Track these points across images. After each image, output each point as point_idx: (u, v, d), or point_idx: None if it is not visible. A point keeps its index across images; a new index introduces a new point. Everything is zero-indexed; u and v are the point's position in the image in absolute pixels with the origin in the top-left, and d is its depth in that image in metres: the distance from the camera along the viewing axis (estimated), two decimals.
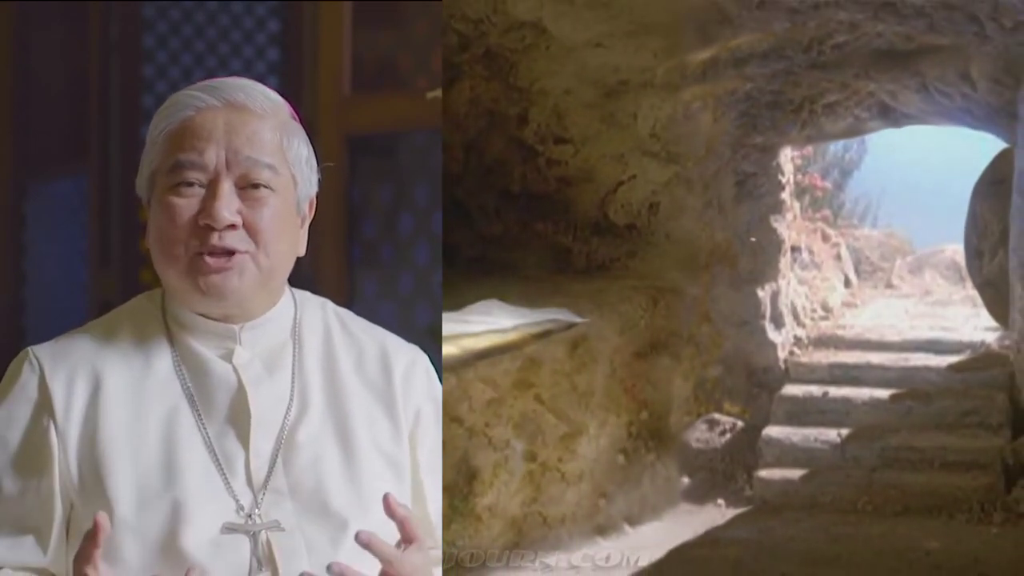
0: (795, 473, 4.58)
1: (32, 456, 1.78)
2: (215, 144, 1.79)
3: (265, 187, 1.81)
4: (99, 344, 1.85)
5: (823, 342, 5.39)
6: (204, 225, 1.78)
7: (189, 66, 4.92)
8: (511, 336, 3.93)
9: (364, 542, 1.71)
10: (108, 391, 1.81)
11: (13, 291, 5.18)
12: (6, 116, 5.14)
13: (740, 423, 4.85)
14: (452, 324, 3.87)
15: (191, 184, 1.79)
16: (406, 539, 1.74)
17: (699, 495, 4.62)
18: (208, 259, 1.78)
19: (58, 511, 1.78)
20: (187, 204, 1.79)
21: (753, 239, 5.02)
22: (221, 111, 1.81)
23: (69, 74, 5.12)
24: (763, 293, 5.05)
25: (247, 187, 1.80)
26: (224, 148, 1.79)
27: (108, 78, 4.91)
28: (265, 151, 1.81)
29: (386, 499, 1.73)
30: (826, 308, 5.81)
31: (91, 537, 1.65)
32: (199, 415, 1.82)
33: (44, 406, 1.79)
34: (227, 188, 1.79)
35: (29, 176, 5.21)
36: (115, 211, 4.85)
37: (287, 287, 1.94)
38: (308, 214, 1.93)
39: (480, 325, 3.94)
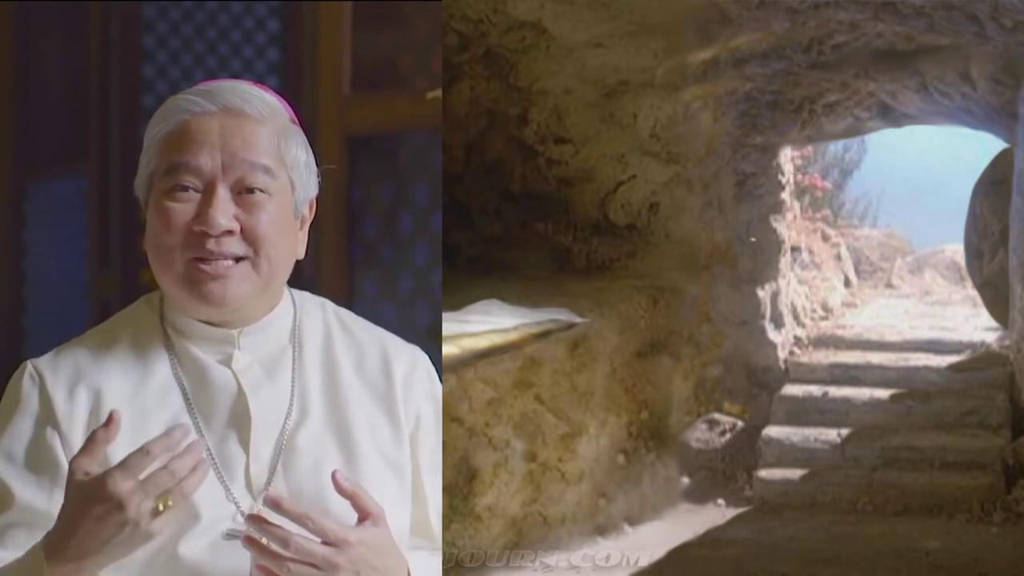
0: (795, 473, 4.58)
1: (40, 468, 1.78)
2: (210, 149, 1.79)
3: (262, 192, 1.81)
4: (98, 353, 1.85)
5: (823, 342, 5.39)
6: (199, 231, 1.78)
7: (189, 66, 4.92)
8: (511, 336, 3.92)
9: (283, 509, 1.65)
10: (108, 400, 1.80)
11: (13, 291, 5.18)
12: (6, 116, 5.14)
13: (740, 423, 4.85)
14: (452, 324, 3.87)
15: (186, 189, 1.79)
16: (361, 515, 1.71)
17: (699, 495, 4.62)
18: (204, 266, 1.78)
19: None
20: (182, 209, 1.79)
21: (753, 239, 5.02)
22: (217, 116, 1.81)
23: (69, 74, 5.11)
24: (763, 293, 5.05)
25: (243, 192, 1.80)
26: (220, 153, 1.79)
27: (108, 78, 4.91)
28: (261, 156, 1.81)
29: (334, 476, 1.70)
30: (826, 308, 5.81)
31: (101, 432, 1.65)
32: (198, 421, 1.82)
33: (47, 417, 1.80)
34: (222, 194, 1.79)
35: (29, 176, 5.20)
36: (115, 211, 4.85)
37: (286, 289, 1.94)
38: (308, 216, 1.92)
39: (480, 325, 3.93)
